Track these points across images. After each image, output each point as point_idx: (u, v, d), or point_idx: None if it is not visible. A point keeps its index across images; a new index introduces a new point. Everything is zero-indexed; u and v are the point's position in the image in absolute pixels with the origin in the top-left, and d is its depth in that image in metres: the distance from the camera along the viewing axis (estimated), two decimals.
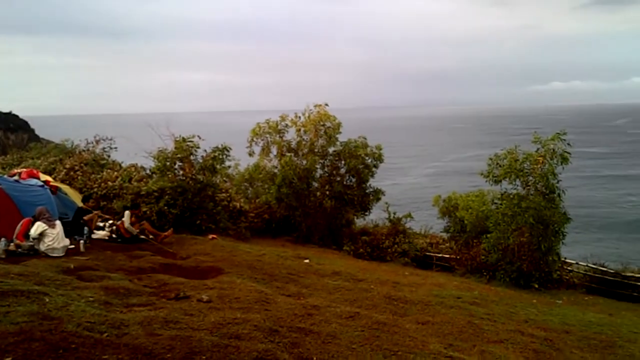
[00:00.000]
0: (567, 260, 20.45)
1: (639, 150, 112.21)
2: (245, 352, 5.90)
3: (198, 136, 19.39)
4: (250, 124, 26.28)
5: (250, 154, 25.65)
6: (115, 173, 19.43)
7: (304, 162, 24.29)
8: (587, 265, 19.91)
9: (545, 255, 18.32)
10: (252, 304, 8.37)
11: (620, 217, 52.15)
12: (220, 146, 19.87)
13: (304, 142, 24.85)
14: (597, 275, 19.24)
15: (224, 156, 19.87)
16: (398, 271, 17.96)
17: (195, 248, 14.32)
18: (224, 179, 24.70)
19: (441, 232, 26.74)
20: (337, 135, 24.90)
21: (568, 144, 18.95)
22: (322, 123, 24.65)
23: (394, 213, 25.39)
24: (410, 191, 70.02)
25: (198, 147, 19.20)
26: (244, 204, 23.00)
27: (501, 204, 19.82)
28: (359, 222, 26.98)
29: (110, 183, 18.31)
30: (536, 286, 17.82)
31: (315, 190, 25.07)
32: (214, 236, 16.80)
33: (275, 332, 7.01)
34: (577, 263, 20.41)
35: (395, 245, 23.02)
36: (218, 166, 19.80)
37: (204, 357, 5.56)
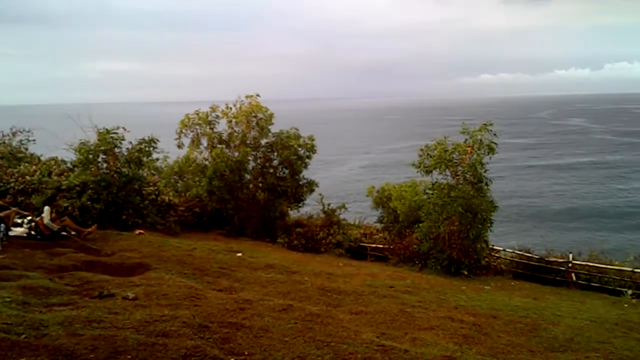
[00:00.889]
0: (494, 247, 21.29)
1: (562, 140, 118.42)
2: (173, 350, 5.77)
3: (123, 128, 18.75)
4: (178, 115, 25.69)
5: (179, 146, 25.07)
6: (34, 167, 18.48)
7: (236, 154, 24.03)
8: (513, 252, 20.86)
9: (474, 243, 19.03)
10: (181, 300, 8.21)
11: (546, 206, 54.52)
12: (146, 138, 19.33)
13: (235, 134, 24.54)
14: (523, 261, 20.21)
15: (151, 148, 19.35)
16: (332, 262, 18.14)
17: (121, 244, 13.85)
18: (152, 172, 24.08)
19: (375, 222, 27.20)
20: (270, 127, 24.77)
21: (494, 135, 19.67)
22: (254, 114, 24.43)
23: (329, 204, 25.59)
24: (345, 182, 70.75)
25: (123, 139, 18.57)
26: (174, 197, 22.51)
27: (432, 194, 20.36)
28: (293, 214, 27.02)
29: (28, 177, 17.40)
30: (466, 273, 18.48)
31: (248, 183, 24.87)
32: (141, 231, 16.37)
33: (205, 328, 6.91)
34: (504, 250, 21.31)
35: (330, 237, 23.24)
36: (145, 159, 19.29)
37: (128, 357, 5.40)
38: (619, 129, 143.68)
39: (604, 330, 10.55)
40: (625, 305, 14.83)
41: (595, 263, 18.74)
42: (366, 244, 24.51)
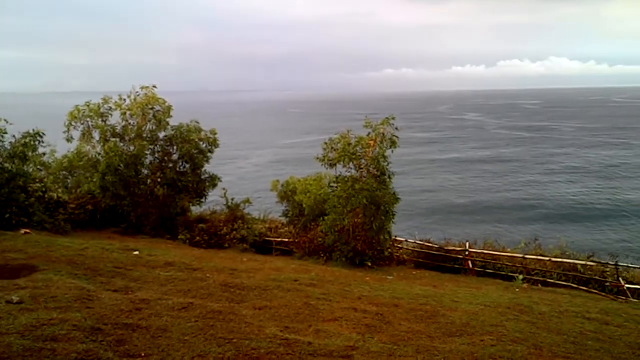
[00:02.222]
0: (397, 239, 22.03)
1: (460, 135, 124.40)
2: (63, 355, 5.50)
3: (5, 120, 17.48)
4: (66, 107, 24.29)
5: (69, 140, 23.68)
6: None
7: (132, 148, 23.10)
8: (415, 242, 21.69)
9: (378, 235, 19.58)
10: (72, 302, 7.80)
11: (448, 200, 56.81)
12: (32, 131, 18.17)
13: (130, 127, 23.56)
14: (424, 250, 21.07)
15: (37, 142, 18.24)
16: (236, 258, 17.98)
17: (5, 245, 12.96)
18: (38, 167, 22.64)
19: (280, 216, 27.18)
20: (168, 120, 24.02)
21: (396, 129, 20.28)
22: (150, 106, 23.56)
23: (232, 199, 25.30)
24: (250, 177, 70.33)
25: (5, 133, 17.35)
26: (63, 194, 21.37)
27: (337, 187, 20.68)
28: (196, 210, 26.45)
29: None
30: (370, 264, 18.99)
31: (146, 178, 24.01)
32: (27, 231, 15.43)
33: (98, 330, 6.64)
34: (406, 240, 22.10)
35: (234, 232, 23.00)
36: (30, 153, 18.18)
37: None
38: (511, 123, 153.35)
39: (497, 314, 11.23)
40: (517, 289, 15.88)
41: (490, 251, 19.93)
42: (271, 239, 24.51)
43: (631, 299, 15.63)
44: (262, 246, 24.03)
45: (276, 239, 24.29)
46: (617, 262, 17.08)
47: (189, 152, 24.03)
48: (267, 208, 30.28)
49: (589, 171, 70.33)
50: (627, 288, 16.16)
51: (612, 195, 55.49)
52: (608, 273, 17.18)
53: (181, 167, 24.52)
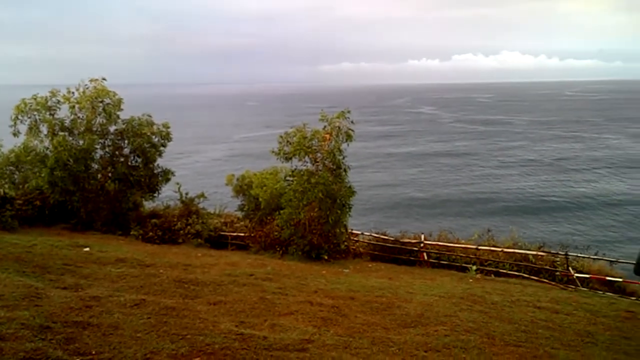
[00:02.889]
0: (353, 232, 22.24)
1: (417, 128, 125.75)
2: (10, 354, 5.37)
3: None
4: (12, 101, 23.47)
5: (15, 134, 22.87)
6: None
7: (81, 142, 22.51)
8: (371, 235, 21.95)
9: (334, 228, 19.73)
10: (19, 300, 7.60)
11: (407, 195, 57.36)
12: None
13: (79, 120, 22.93)
14: (379, 243, 21.34)
15: None
16: (190, 253, 17.81)
17: None
18: None
19: (236, 210, 27.05)
20: (118, 113, 23.50)
21: (352, 122, 20.42)
22: (100, 99, 22.99)
23: (186, 193, 25.03)
24: (205, 171, 69.57)
25: None
26: (10, 190, 20.76)
27: (292, 181, 20.72)
28: (148, 205, 26.04)
29: None
30: (326, 257, 19.13)
31: (96, 173, 23.45)
32: None
33: (47, 328, 6.50)
34: (362, 233, 22.33)
35: (188, 227, 22.77)
36: None
37: None
38: (466, 117, 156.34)
39: (451, 305, 11.51)
40: (470, 280, 16.30)
41: (444, 242, 20.34)
42: (227, 233, 24.36)
43: (580, 288, 16.25)
44: (217, 241, 23.86)
45: (231, 234, 24.16)
46: (566, 252, 17.71)
47: (140, 146, 23.60)
48: (222, 202, 30.08)
49: (542, 164, 72.35)
50: (576, 277, 16.78)
51: (564, 187, 57.28)
52: (558, 263, 17.78)
53: (133, 161, 24.07)
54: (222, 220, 26.20)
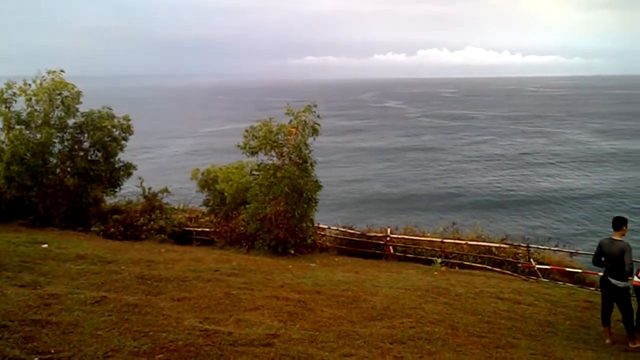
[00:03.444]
0: (320, 226, 22.30)
1: (383, 123, 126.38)
2: None
3: None
4: None
5: None
6: None
7: (39, 135, 21.93)
8: (337, 229, 22.04)
9: (300, 222, 19.72)
10: None
11: (372, 189, 57.55)
12: None
13: (37, 113, 22.32)
14: (346, 237, 21.46)
15: None
16: (153, 249, 17.57)
17: None
18: None
19: (201, 205, 26.79)
20: (78, 106, 22.96)
21: (318, 116, 20.44)
22: (58, 92, 22.42)
23: (149, 188, 24.65)
24: (170, 165, 68.68)
25: None
26: None
27: (258, 175, 20.64)
28: (110, 200, 25.56)
29: None
30: (292, 252, 19.12)
31: (54, 167, 22.87)
32: None
33: (4, 327, 6.39)
34: (329, 227, 22.41)
35: (151, 222, 22.44)
36: None
37: None
38: (432, 112, 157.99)
39: (416, 297, 11.67)
40: (435, 272, 16.54)
41: (410, 236, 20.57)
42: (191, 228, 24.12)
43: (541, 279, 16.66)
44: (182, 236, 23.58)
45: (196, 229, 23.92)
46: (528, 244, 18.13)
47: (100, 140, 23.09)
48: (187, 197, 29.76)
49: (507, 158, 73.53)
50: (538, 268, 17.18)
51: (528, 182, 58.39)
52: (520, 254, 18.16)
53: (93, 156, 23.54)
54: (187, 215, 25.89)
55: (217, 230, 22.07)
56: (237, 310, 9.02)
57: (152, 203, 23.89)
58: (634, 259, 9.36)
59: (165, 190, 24.97)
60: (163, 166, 67.56)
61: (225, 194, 23.49)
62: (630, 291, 9.72)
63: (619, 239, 9.32)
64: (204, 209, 26.29)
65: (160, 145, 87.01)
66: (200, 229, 23.76)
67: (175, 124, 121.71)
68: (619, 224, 9.41)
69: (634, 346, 9.18)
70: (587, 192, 52.42)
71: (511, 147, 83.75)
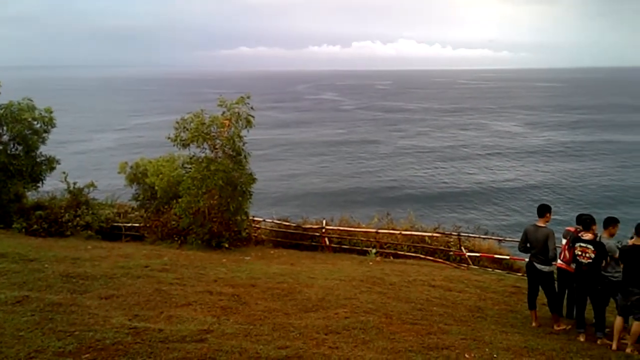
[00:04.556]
0: (255, 219, 22.20)
1: (319, 115, 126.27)
2: None
3: None
4: None
5: None
6: None
7: None
8: (273, 222, 22.02)
9: (235, 215, 19.56)
10: None
11: (310, 184, 57.27)
12: None
13: None
14: (281, 229, 21.47)
15: None
16: (80, 246, 16.95)
17: None
18: None
19: (130, 200, 26.05)
20: None
21: (252, 108, 20.27)
22: None
23: (75, 183, 23.75)
24: (94, 159, 66.39)
25: None
26: None
27: (191, 168, 20.31)
28: (32, 196, 24.48)
29: None
30: (227, 246, 18.92)
31: None
32: None
33: None
34: (264, 220, 22.34)
35: (77, 218, 21.67)
36: None
37: None
38: (367, 103, 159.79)
39: (351, 288, 11.82)
40: (370, 263, 16.81)
41: (345, 227, 20.81)
42: (120, 224, 23.48)
43: (472, 266, 17.27)
44: (110, 232, 22.91)
45: (125, 224, 23.29)
46: (459, 232, 18.72)
47: (20, 133, 22.05)
48: (115, 192, 28.89)
49: (441, 151, 75.02)
50: (468, 256, 17.80)
51: (462, 174, 59.81)
52: (452, 243, 18.76)
53: (12, 150, 22.46)
54: (115, 210, 25.17)
55: (148, 225, 21.56)
56: (168, 307, 8.85)
57: (77, 198, 23.05)
58: (557, 245, 9.83)
59: (92, 184, 24.12)
60: (89, 160, 65.21)
61: (156, 188, 22.97)
62: (555, 275, 10.21)
63: (543, 225, 9.74)
64: (134, 204, 25.62)
65: (86, 138, 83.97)
66: (129, 225, 23.17)
67: (102, 116, 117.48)
68: (543, 211, 9.83)
69: (558, 328, 9.64)
70: (516, 184, 54.40)
71: (445, 139, 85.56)
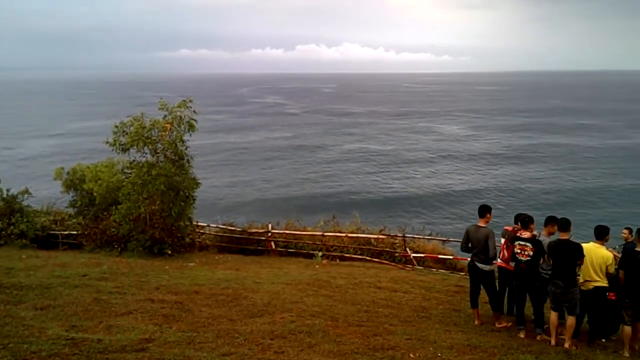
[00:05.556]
0: (199, 224, 21.90)
1: (263, 119, 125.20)
2: None
3: None
4: None
5: None
6: None
7: None
8: (217, 227, 21.78)
9: (177, 221, 19.25)
10: None
11: (258, 189, 56.75)
12: None
13: None
14: (226, 234, 21.26)
15: None
16: (13, 255, 16.30)
17: None
18: None
19: (67, 207, 25.25)
20: None
21: (194, 112, 20.02)
22: None
23: (8, 190, 22.87)
24: (30, 165, 63.97)
25: None
26: None
27: (131, 173, 19.89)
28: None
29: None
30: (169, 252, 18.57)
31: None
32: None
33: None
34: (208, 225, 22.07)
35: (11, 227, 20.94)
36: None
37: None
38: (313, 107, 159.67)
39: (297, 291, 11.83)
40: (317, 266, 16.87)
41: (292, 230, 20.81)
42: (57, 232, 22.73)
43: (416, 267, 17.59)
44: (47, 241, 22.18)
45: (63, 232, 22.57)
46: (404, 234, 19.04)
47: None
48: (51, 199, 27.93)
49: (388, 155, 75.54)
50: (413, 257, 18.13)
51: (408, 179, 60.53)
52: (397, 244, 19.06)
53: None
54: (52, 218, 24.33)
55: (86, 232, 20.92)
56: (108, 316, 8.62)
57: (11, 206, 22.24)
58: (497, 244, 10.13)
59: (26, 191, 23.30)
60: (24, 166, 62.77)
61: (95, 194, 22.40)
62: (496, 274, 10.52)
63: (484, 225, 10.02)
64: (71, 211, 24.87)
65: (19, 144, 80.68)
66: (66, 232, 22.51)
67: (38, 120, 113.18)
68: (484, 211, 10.12)
69: (500, 326, 9.93)
70: (461, 187, 55.17)
71: (391, 143, 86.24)
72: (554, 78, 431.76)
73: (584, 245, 8.96)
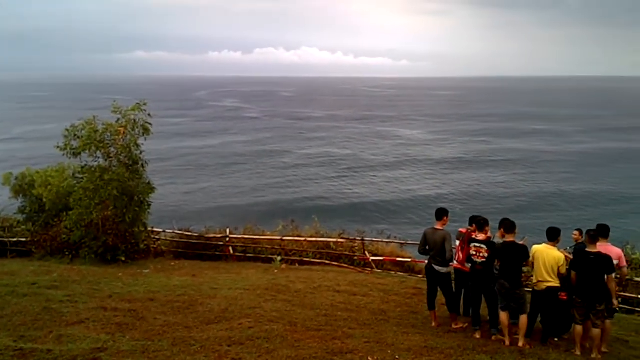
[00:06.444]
0: (154, 230, 21.56)
1: (221, 123, 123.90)
2: None
3: None
4: None
5: None
6: None
7: None
8: (173, 232, 21.48)
9: (132, 227, 18.94)
10: None
11: (218, 196, 55.97)
12: None
13: None
14: (183, 240, 20.98)
15: None
16: None
17: None
18: None
19: (15, 213, 24.54)
20: None
21: (149, 115, 19.73)
22: None
23: None
24: None
25: None
26: None
27: (83, 178, 19.49)
28: None
29: None
30: (123, 259, 18.24)
31: None
32: None
33: None
34: (164, 231, 21.75)
35: None
36: None
37: None
38: (272, 111, 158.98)
39: (256, 297, 11.76)
40: (276, 271, 16.81)
41: (250, 235, 20.69)
42: (5, 239, 22.04)
43: (375, 270, 17.71)
44: None
45: (11, 239, 21.92)
46: (363, 237, 19.15)
47: None
48: None
49: (348, 160, 75.44)
50: (372, 260, 18.25)
51: (368, 184, 60.63)
52: (356, 248, 19.14)
53: None
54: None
55: (36, 239, 20.38)
56: (58, 326, 8.41)
57: None
58: (453, 246, 10.30)
59: None
60: None
61: (45, 200, 21.88)
62: (452, 276, 10.68)
63: (441, 228, 10.16)
64: (20, 217, 24.17)
65: None
66: (15, 240, 21.87)
67: None
68: (441, 214, 10.26)
69: (456, 327, 10.09)
70: (421, 192, 55.58)
71: (351, 147, 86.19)
72: (511, 84, 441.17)
73: (536, 246, 9.21)
